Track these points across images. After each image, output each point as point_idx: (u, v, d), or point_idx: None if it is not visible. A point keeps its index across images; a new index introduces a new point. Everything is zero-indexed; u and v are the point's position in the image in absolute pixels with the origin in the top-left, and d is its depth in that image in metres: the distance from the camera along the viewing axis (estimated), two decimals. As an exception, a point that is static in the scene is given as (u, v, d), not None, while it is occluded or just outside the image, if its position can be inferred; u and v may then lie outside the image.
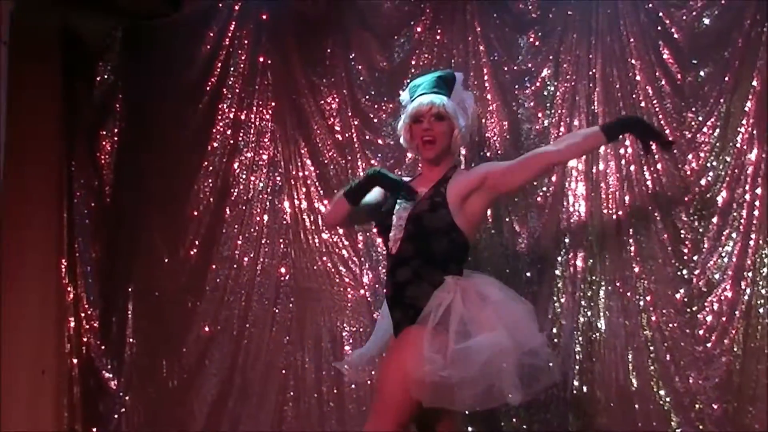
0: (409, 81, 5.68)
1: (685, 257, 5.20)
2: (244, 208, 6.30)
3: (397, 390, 3.64)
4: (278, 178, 6.25)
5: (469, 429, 5.41)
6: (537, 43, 5.64)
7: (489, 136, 5.69)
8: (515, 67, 5.67)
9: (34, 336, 6.44)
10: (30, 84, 6.32)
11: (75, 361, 6.55)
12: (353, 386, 5.91)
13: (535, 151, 4.04)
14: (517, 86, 5.65)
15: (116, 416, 6.47)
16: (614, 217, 5.35)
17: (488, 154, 5.63)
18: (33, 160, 6.46)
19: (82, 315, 6.60)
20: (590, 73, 5.44)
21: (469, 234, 3.88)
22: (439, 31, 5.86)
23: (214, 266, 6.31)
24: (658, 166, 5.27)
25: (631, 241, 5.30)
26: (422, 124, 4.01)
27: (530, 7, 5.62)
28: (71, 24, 6.60)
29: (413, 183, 4.09)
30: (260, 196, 6.28)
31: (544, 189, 5.53)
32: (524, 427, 5.38)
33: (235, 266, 6.28)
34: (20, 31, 6.05)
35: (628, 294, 5.28)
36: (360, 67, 6.06)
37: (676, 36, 5.30)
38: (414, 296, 3.68)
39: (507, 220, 5.60)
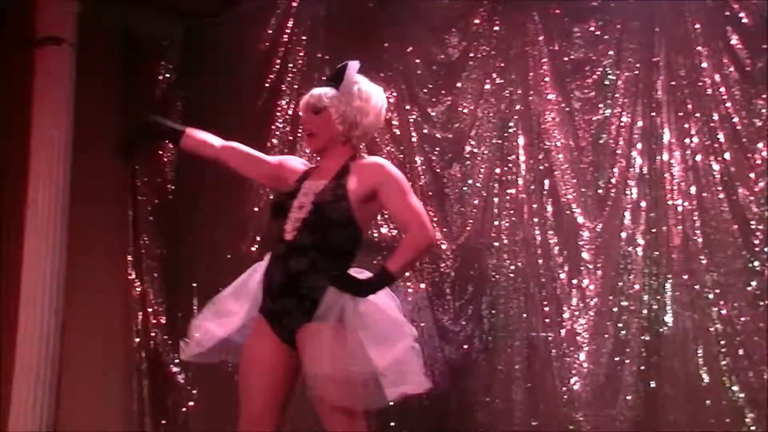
0: (466, 74, 5.33)
1: (756, 248, 4.75)
2: (302, 202, 5.97)
3: (339, 392, 3.37)
4: (336, 173, 5.92)
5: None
6: (597, 32, 5.22)
7: (547, 127, 5.30)
8: (575, 57, 5.26)
9: (102, 331, 6.25)
10: (94, 84, 6.11)
11: (143, 355, 6.34)
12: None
13: (420, 218, 3.51)
14: (577, 76, 5.24)
15: (184, 409, 6.22)
16: (679, 208, 4.93)
17: (548, 144, 5.26)
18: (99, 159, 6.23)
19: (149, 310, 6.37)
20: (653, 60, 5.02)
21: (364, 230, 3.61)
22: (496, 22, 5.48)
23: (273, 262, 6.00)
24: (726, 155, 4.83)
25: (698, 232, 4.87)
26: (303, 117, 3.76)
27: (591, -5, 5.22)
28: (133, 25, 6.37)
29: (311, 171, 3.75)
30: (318, 191, 5.94)
31: (606, 180, 5.14)
32: (587, 422, 4.99)
33: (294, 261, 5.96)
34: (84, 33, 5.84)
35: (696, 287, 4.85)
36: (417, 60, 5.70)
37: (744, 20, 4.84)
38: (311, 287, 3.39)
39: (568, 213, 5.23)
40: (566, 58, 5.26)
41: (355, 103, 3.63)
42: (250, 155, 3.78)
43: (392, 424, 5.45)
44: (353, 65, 3.73)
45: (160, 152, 6.39)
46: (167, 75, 6.37)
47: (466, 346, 5.54)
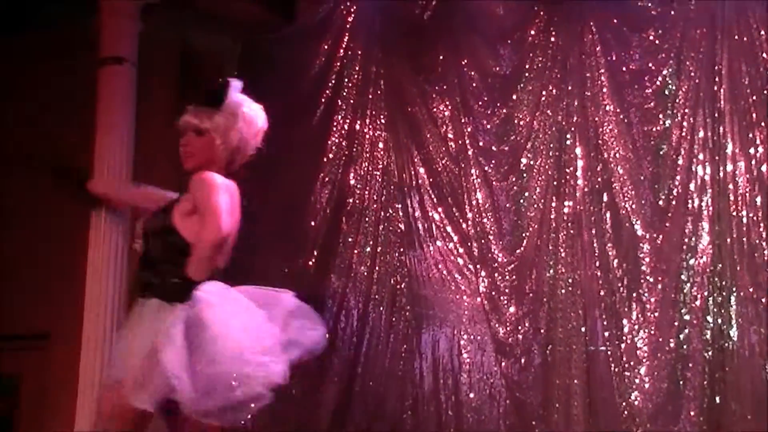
0: (522, 85, 5.11)
1: (825, 261, 4.45)
2: (359, 217, 5.79)
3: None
4: (392, 187, 5.74)
5: None
6: (656, 41, 4.96)
7: (606, 139, 5.04)
8: (633, 67, 5.00)
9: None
10: (155, 100, 5.98)
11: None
12: (472, 395, 5.34)
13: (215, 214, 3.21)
14: (635, 86, 4.97)
15: (243, 423, 6.02)
16: (744, 219, 4.63)
17: (606, 156, 5.00)
18: (160, 173, 6.10)
19: (209, 324, 6.20)
20: (715, 69, 4.74)
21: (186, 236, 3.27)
22: (553, 32, 5.25)
23: (332, 276, 5.81)
24: (793, 164, 4.54)
25: (764, 244, 4.56)
26: (183, 138, 3.44)
27: (650, 4, 4.95)
28: (192, 42, 6.23)
29: None
30: (375, 206, 5.76)
31: (667, 191, 4.86)
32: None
33: (352, 275, 5.77)
34: (145, 52, 5.73)
35: (763, 300, 4.54)
36: (472, 73, 5.48)
37: (812, 26, 4.57)
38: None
39: (627, 225, 4.96)
40: (624, 68, 5.01)
41: (239, 125, 3.39)
42: (158, 194, 3.57)
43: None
44: (235, 85, 3.48)
45: (219, 168, 6.23)
46: (225, 92, 6.21)
47: (523, 360, 5.30)
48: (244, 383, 3.00)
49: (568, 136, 5.21)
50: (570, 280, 5.16)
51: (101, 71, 5.60)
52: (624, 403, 4.82)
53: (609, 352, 4.94)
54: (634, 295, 4.92)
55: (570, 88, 5.19)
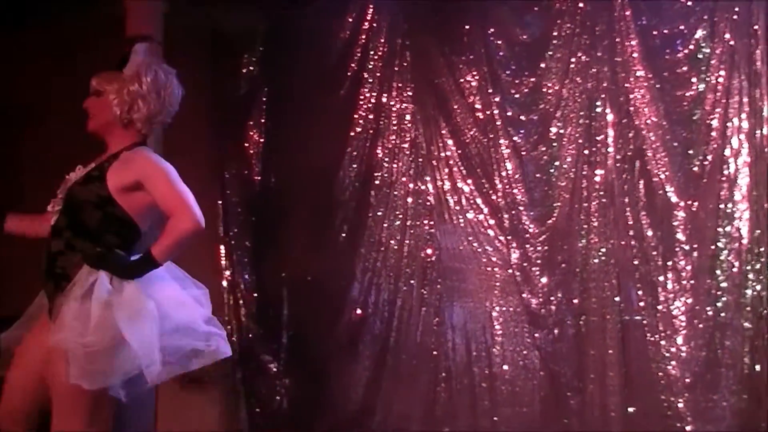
0: (550, 53, 4.89)
1: None
2: (388, 191, 5.61)
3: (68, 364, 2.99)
4: (420, 160, 5.55)
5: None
6: (689, 3, 4.71)
7: (638, 105, 4.82)
8: (665, 31, 4.75)
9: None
10: (182, 81, 5.81)
11: (235, 344, 6.04)
12: (505, 367, 5.18)
13: (184, 203, 3.08)
14: (667, 50, 4.73)
15: (278, 398, 5.91)
16: (783, 183, 4.40)
17: (637, 123, 4.77)
18: (187, 154, 5.92)
19: (240, 301, 6.07)
20: (751, 30, 4.49)
21: (139, 219, 3.20)
22: (581, -2, 5.02)
23: (362, 250, 5.65)
24: (832, 126, 4.29)
25: (803, 208, 4.34)
26: (86, 101, 3.39)
27: (682, -35, 4.70)
28: (218, 20, 6.06)
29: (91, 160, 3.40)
30: (403, 179, 5.58)
31: (701, 157, 4.64)
32: (687, 408, 4.51)
33: (382, 249, 5.61)
34: (171, 31, 5.57)
35: (803, 265, 4.32)
36: (499, 42, 5.26)
37: None
38: (64, 266, 3.09)
39: (660, 192, 4.75)
40: (656, 32, 4.76)
41: (134, 86, 3.27)
42: None
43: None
44: (140, 47, 3.34)
45: (246, 145, 6.08)
46: (251, 68, 6.05)
47: (556, 331, 5.12)
48: (199, 354, 3.00)
49: (599, 103, 4.98)
50: (603, 250, 4.96)
51: (128, 51, 5.46)
52: (661, 373, 4.63)
53: (645, 322, 4.74)
54: (669, 263, 4.71)
55: (599, 54, 4.96)
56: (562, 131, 5.11)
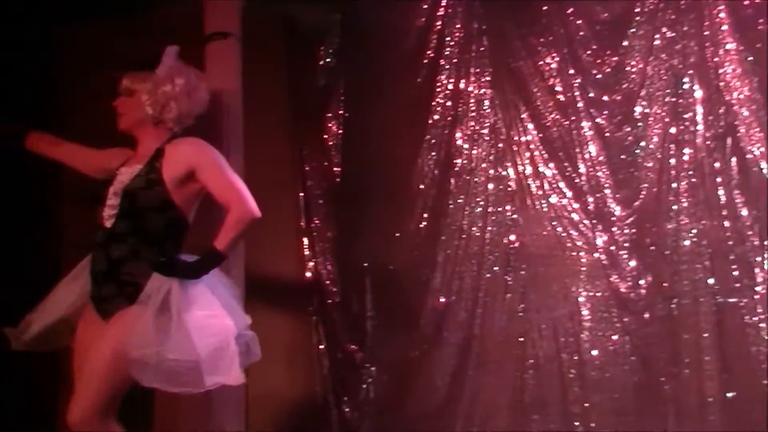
0: (633, 30, 4.66)
1: None
2: (468, 177, 5.45)
3: (110, 369, 3.06)
4: (500, 145, 5.38)
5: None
6: (781, -31, 4.44)
7: (728, 80, 4.55)
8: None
9: (280, 313, 5.92)
10: (259, 74, 5.75)
11: (321, 335, 5.98)
12: (595, 352, 4.99)
13: (239, 194, 3.10)
14: (759, 20, 4.46)
15: (364, 386, 5.82)
16: None
17: (728, 98, 4.51)
18: (268, 147, 5.89)
19: (324, 292, 6.01)
20: None
21: (187, 213, 3.24)
22: (664, -30, 4.77)
23: (443, 238, 5.51)
24: None
25: None
26: (117, 100, 3.43)
27: (776, -72, 4.42)
28: (293, 12, 5.98)
29: (130, 157, 3.32)
30: (484, 165, 5.42)
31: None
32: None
33: (463, 236, 5.45)
34: (249, 25, 5.50)
35: None
36: (579, 21, 5.04)
37: None
38: (132, 273, 3.13)
39: (755, 169, 4.51)
40: (747, 2, 4.48)
41: (167, 87, 3.33)
42: (81, 150, 3.39)
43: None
44: (170, 50, 3.41)
45: (325, 136, 5.99)
46: (328, 60, 5.95)
47: (647, 315, 4.90)
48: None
49: (686, 80, 4.73)
50: (694, 231, 4.72)
51: (207, 47, 5.41)
52: (762, 357, 4.38)
53: (741, 304, 4.49)
54: (767, 243, 4.45)
55: (685, 29, 4.70)
56: (647, 110, 4.88)
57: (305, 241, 5.99)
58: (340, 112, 5.93)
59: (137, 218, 3.13)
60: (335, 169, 5.97)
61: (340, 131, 5.92)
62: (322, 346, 5.93)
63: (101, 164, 3.53)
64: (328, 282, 5.99)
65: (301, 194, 6.00)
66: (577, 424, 4.96)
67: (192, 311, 3.01)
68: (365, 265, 5.85)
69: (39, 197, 5.94)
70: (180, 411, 5.05)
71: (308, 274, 5.97)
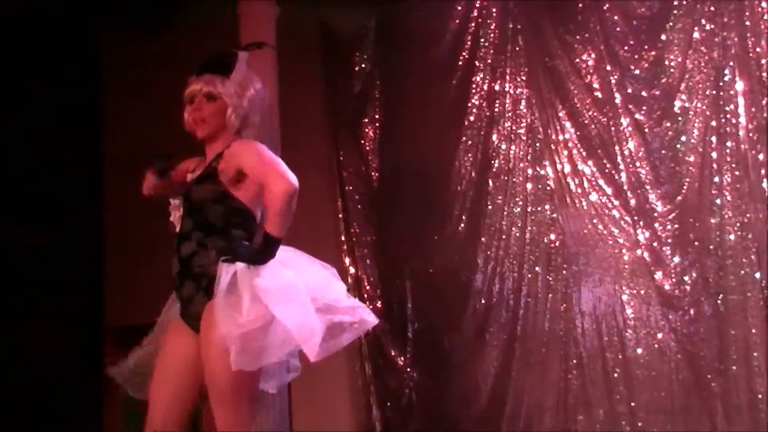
0: (671, 24, 4.55)
1: None
2: (506, 178, 5.36)
3: (234, 374, 2.91)
4: (538, 145, 5.28)
5: None
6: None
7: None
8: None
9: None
10: (295, 82, 5.72)
11: (362, 340, 5.91)
12: (639, 351, 4.86)
13: (274, 168, 2.98)
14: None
15: (407, 390, 5.73)
16: None
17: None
18: (306, 154, 5.83)
19: (365, 296, 5.92)
20: None
21: (252, 205, 3.09)
22: (702, -37, 4.65)
23: (483, 239, 5.41)
24: None
25: None
26: (194, 105, 3.22)
27: None
28: (328, 19, 5.94)
29: (199, 163, 3.25)
30: (522, 165, 5.32)
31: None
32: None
33: (503, 237, 5.35)
34: (283, 33, 5.48)
35: None
36: (615, 17, 4.94)
37: None
38: (202, 264, 3.04)
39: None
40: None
41: (249, 94, 3.20)
42: None
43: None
44: (244, 56, 3.25)
45: (363, 141, 5.94)
46: (363, 65, 5.90)
47: (692, 312, 4.77)
48: (348, 329, 2.95)
49: (726, 72, 4.61)
50: (738, 225, 4.58)
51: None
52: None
53: (797, 297, 4.36)
54: (815, 234, 4.31)
55: (726, 20, 4.58)
56: (687, 104, 4.76)
57: (344, 246, 5.94)
58: (377, 116, 5.87)
59: (198, 213, 3.10)
60: (373, 173, 5.90)
61: (377, 135, 5.87)
62: (363, 352, 5.87)
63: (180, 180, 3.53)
64: (368, 287, 5.92)
65: (340, 200, 5.94)
66: (623, 423, 4.83)
67: (261, 283, 2.95)
68: (405, 269, 5.78)
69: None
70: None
71: (349, 280, 5.91)
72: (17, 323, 6.24)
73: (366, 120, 5.90)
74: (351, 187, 5.98)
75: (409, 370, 5.72)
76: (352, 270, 5.93)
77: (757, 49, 4.48)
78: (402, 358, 5.75)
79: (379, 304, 5.88)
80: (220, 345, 2.88)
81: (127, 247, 6.25)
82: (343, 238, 5.98)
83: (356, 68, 5.88)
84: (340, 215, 5.95)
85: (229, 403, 2.96)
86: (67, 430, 6.00)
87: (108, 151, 6.56)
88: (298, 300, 2.88)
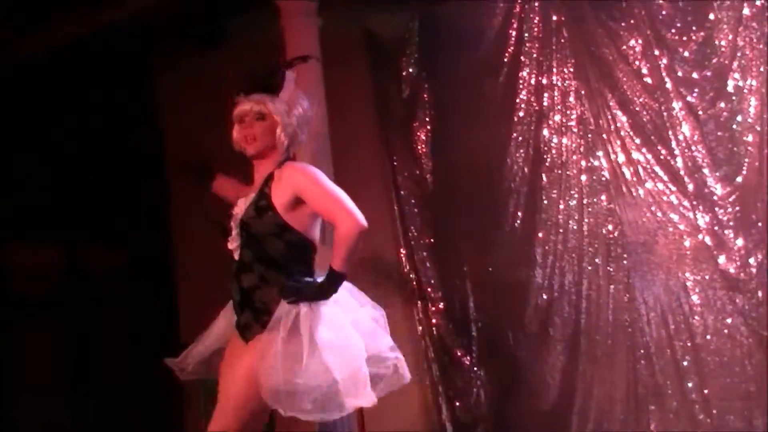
0: (718, 2, 4.38)
1: None
2: (560, 171, 5.22)
3: (244, 393, 2.94)
4: (590, 136, 5.14)
5: None
6: None
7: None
8: None
9: (388, 324, 5.79)
10: (344, 90, 5.66)
11: (428, 342, 5.82)
12: (708, 337, 4.68)
13: (343, 208, 2.88)
14: None
15: (474, 389, 5.63)
16: None
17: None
18: (358, 160, 5.81)
19: (427, 299, 5.85)
20: None
21: (308, 231, 3.01)
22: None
23: (540, 234, 5.28)
24: None
25: None
26: (244, 124, 3.12)
27: None
28: (371, 25, 5.88)
29: (248, 187, 3.17)
30: (575, 157, 5.18)
31: None
32: None
33: (561, 231, 5.22)
34: (328, 43, 5.44)
35: None
36: (661, 1, 4.77)
37: None
38: (264, 301, 2.99)
39: None
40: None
41: (297, 112, 3.10)
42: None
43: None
44: (291, 74, 3.15)
45: (415, 145, 5.86)
46: (411, 69, 5.81)
47: (760, 294, 4.58)
48: (385, 381, 2.90)
49: (781, 47, 4.42)
50: (804, 202, 4.38)
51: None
52: None
53: None
54: None
55: (775, -7, 4.40)
56: (740, 83, 4.57)
57: (403, 251, 5.87)
58: (427, 119, 5.78)
59: (257, 246, 3.07)
60: (427, 176, 5.82)
61: (429, 138, 5.79)
62: (430, 354, 5.79)
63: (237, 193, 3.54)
64: (429, 289, 5.84)
65: (396, 205, 5.88)
66: (698, 411, 4.66)
67: (323, 334, 2.93)
68: (465, 268, 5.67)
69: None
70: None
71: (411, 284, 5.84)
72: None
73: (416, 123, 5.82)
74: (405, 192, 5.90)
75: (475, 369, 5.62)
76: (412, 274, 5.86)
77: (811, 20, 4.28)
78: (468, 358, 5.66)
79: (441, 306, 5.80)
80: (252, 375, 2.87)
81: (196, 262, 6.30)
82: (401, 242, 5.91)
83: (403, 72, 5.81)
84: (397, 220, 5.88)
85: (222, 411, 2.98)
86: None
87: (171, 165, 6.64)
88: (355, 355, 2.86)
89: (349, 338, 2.87)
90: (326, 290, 2.89)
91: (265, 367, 2.87)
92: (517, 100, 5.31)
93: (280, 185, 3.02)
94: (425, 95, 5.76)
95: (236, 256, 3.07)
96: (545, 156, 5.29)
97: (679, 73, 4.75)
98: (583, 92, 5.12)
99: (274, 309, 2.93)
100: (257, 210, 3.04)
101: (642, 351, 4.91)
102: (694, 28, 4.66)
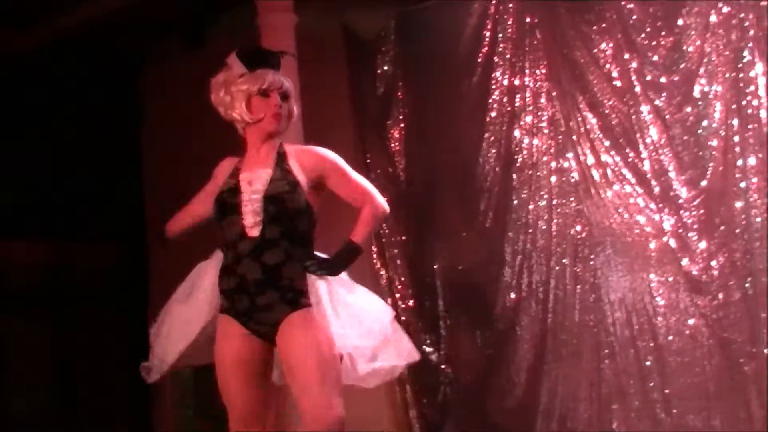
0: (687, 9, 4.45)
1: None
2: (530, 172, 5.26)
3: (330, 369, 2.85)
4: (560, 137, 5.17)
5: None
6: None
7: None
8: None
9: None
10: (320, 86, 5.66)
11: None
12: (671, 337, 4.74)
13: (371, 193, 3.00)
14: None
15: (442, 387, 5.66)
16: None
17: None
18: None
19: (397, 296, 5.85)
20: None
21: (317, 209, 3.03)
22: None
23: (510, 234, 5.32)
24: None
25: None
26: (270, 98, 3.00)
27: None
28: (349, 23, 5.89)
29: (242, 163, 3.06)
30: (545, 158, 5.22)
31: None
32: None
33: (530, 231, 5.25)
34: (304, 40, 5.45)
35: None
36: (631, 5, 4.82)
37: None
38: (291, 277, 2.90)
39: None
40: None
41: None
42: (200, 203, 3.17)
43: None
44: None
45: (388, 143, 5.87)
46: (386, 67, 5.82)
47: (721, 296, 4.63)
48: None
49: (745, 53, 4.46)
50: (764, 207, 4.43)
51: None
52: None
53: (824, 278, 4.20)
54: (842, 214, 4.15)
55: (742, 2, 4.44)
56: (707, 89, 4.63)
57: (374, 248, 5.88)
58: (401, 117, 5.80)
59: (287, 222, 3.05)
60: (400, 174, 5.83)
61: (403, 136, 5.80)
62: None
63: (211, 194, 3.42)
64: (400, 286, 5.86)
65: (368, 202, 5.89)
66: (658, 411, 4.71)
67: (351, 301, 2.98)
68: (435, 267, 5.70)
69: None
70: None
71: (382, 281, 5.86)
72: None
73: (390, 121, 5.84)
74: (379, 189, 5.89)
75: (443, 366, 5.64)
76: (383, 271, 5.87)
77: (776, 29, 4.34)
78: (436, 355, 5.68)
79: (410, 303, 5.81)
80: (326, 350, 2.83)
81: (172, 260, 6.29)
82: (372, 239, 5.92)
83: (379, 70, 5.83)
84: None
85: (328, 385, 2.89)
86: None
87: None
88: (384, 309, 2.98)
89: (374, 301, 2.97)
90: (343, 263, 2.93)
91: (329, 342, 2.87)
92: (490, 101, 5.35)
93: (302, 166, 3.00)
94: (400, 93, 5.78)
95: (254, 233, 2.99)
96: (516, 157, 5.33)
97: (648, 77, 4.80)
98: (554, 94, 5.16)
99: (299, 286, 2.91)
100: (290, 186, 3.00)
101: (606, 351, 4.95)
102: (663, 33, 4.72)
